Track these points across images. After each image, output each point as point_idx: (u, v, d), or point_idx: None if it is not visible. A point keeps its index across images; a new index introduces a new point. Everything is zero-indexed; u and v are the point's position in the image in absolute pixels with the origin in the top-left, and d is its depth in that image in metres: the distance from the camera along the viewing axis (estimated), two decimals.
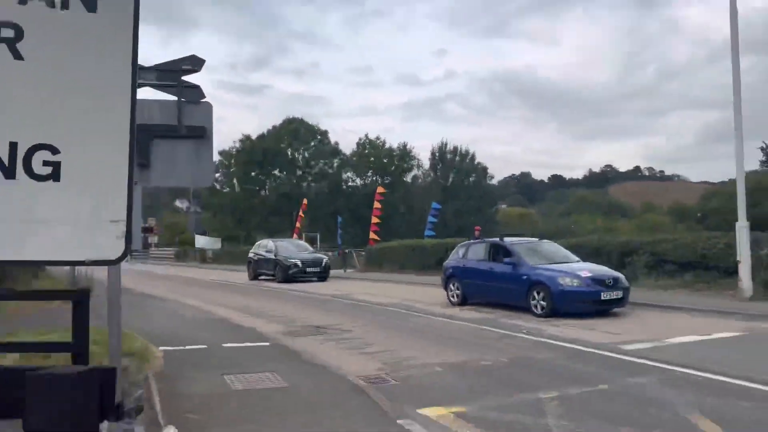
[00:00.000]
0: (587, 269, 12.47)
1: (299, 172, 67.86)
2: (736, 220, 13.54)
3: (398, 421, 5.20)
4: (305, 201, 42.01)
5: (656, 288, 15.01)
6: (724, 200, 57.90)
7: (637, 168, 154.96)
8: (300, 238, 33.82)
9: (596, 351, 8.25)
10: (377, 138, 71.81)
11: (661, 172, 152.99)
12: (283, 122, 68.10)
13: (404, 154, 72.61)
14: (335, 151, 69.19)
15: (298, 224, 39.93)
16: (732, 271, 13.63)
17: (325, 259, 24.66)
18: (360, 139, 71.69)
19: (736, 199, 13.78)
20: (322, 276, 23.54)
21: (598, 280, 11.95)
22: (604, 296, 11.76)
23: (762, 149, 64.96)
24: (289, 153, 67.46)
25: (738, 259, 13.05)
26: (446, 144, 73.55)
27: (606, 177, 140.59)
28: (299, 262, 23.15)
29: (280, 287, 20.90)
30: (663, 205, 76.41)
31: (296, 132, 66.45)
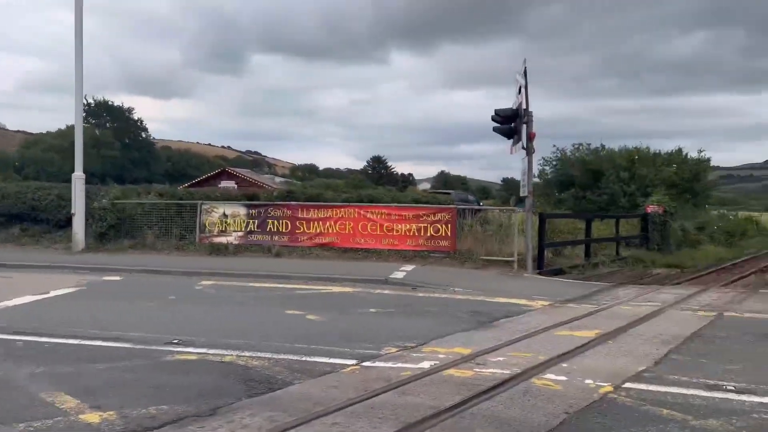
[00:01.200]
0: None
1: None
2: (56, 171, 13.29)
3: None
4: None
5: None
6: (42, 150, 57.07)
7: None
8: None
9: None
10: None
11: None
12: None
13: None
14: None
15: None
16: (64, 224, 13.34)
17: None
18: None
19: (61, 149, 13.59)
20: None
21: None
22: None
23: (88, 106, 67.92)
24: None
25: (73, 211, 12.83)
26: None
27: None
28: None
29: None
30: None
31: None
